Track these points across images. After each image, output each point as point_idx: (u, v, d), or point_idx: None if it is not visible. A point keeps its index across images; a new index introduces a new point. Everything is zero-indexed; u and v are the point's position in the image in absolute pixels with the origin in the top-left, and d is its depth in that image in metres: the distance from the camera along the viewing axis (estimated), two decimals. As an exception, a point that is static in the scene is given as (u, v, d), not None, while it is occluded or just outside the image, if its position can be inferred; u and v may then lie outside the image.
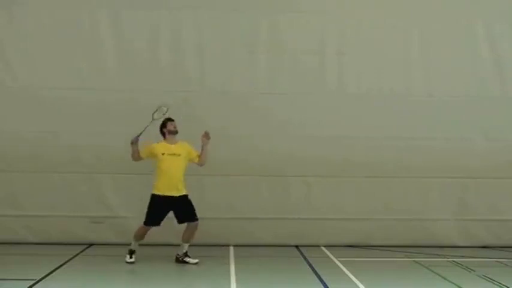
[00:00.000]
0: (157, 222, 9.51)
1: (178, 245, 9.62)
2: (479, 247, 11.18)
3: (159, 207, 9.46)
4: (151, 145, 9.61)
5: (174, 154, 9.50)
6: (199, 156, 9.71)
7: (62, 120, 10.74)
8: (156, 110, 9.63)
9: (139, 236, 9.58)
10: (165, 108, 9.65)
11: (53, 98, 10.70)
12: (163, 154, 9.48)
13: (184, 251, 9.57)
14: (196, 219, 9.49)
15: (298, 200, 11.06)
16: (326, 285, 8.33)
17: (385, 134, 11.01)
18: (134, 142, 9.56)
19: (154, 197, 9.48)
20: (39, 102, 10.71)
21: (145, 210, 9.49)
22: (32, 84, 10.75)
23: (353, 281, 8.59)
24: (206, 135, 9.69)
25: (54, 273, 8.76)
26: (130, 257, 9.53)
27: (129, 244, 9.57)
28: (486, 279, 8.83)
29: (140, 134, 9.53)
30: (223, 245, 10.77)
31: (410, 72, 11.15)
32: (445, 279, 8.81)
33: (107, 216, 10.84)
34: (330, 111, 10.99)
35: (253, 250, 10.68)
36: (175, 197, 9.45)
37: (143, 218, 9.46)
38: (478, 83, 11.19)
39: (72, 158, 10.76)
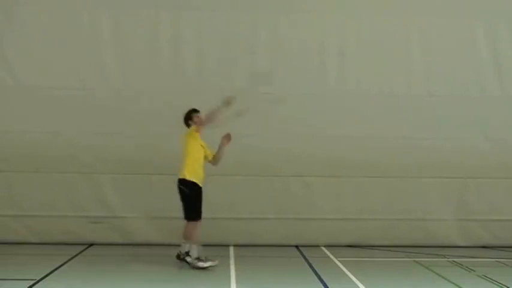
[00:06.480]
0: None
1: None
2: (479, 247, 11.18)
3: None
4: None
5: (203, 148, 9.43)
6: (214, 156, 9.60)
7: (62, 120, 10.73)
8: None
9: (197, 235, 9.19)
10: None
11: (53, 98, 10.68)
12: (202, 145, 9.38)
13: (186, 250, 9.51)
14: None
15: (298, 200, 11.05)
16: (326, 285, 8.32)
17: (385, 134, 11.00)
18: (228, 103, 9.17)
19: (196, 186, 9.16)
20: (39, 102, 10.70)
21: (185, 204, 9.10)
22: (31, 84, 10.72)
23: (353, 281, 8.59)
24: (227, 137, 9.63)
25: (54, 273, 8.75)
26: (205, 262, 9.15)
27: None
28: (486, 279, 8.83)
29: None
30: (223, 245, 10.77)
31: (411, 72, 11.15)
32: (445, 279, 8.81)
33: (107, 216, 10.81)
34: (330, 111, 10.97)
35: (253, 250, 10.67)
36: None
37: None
38: (478, 83, 11.19)
39: (72, 158, 10.75)
